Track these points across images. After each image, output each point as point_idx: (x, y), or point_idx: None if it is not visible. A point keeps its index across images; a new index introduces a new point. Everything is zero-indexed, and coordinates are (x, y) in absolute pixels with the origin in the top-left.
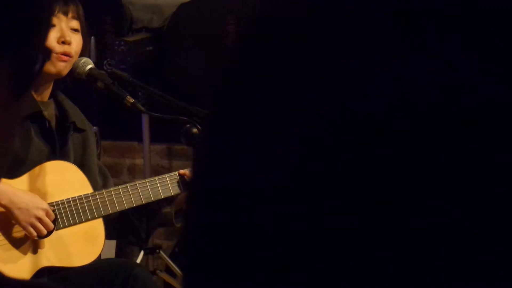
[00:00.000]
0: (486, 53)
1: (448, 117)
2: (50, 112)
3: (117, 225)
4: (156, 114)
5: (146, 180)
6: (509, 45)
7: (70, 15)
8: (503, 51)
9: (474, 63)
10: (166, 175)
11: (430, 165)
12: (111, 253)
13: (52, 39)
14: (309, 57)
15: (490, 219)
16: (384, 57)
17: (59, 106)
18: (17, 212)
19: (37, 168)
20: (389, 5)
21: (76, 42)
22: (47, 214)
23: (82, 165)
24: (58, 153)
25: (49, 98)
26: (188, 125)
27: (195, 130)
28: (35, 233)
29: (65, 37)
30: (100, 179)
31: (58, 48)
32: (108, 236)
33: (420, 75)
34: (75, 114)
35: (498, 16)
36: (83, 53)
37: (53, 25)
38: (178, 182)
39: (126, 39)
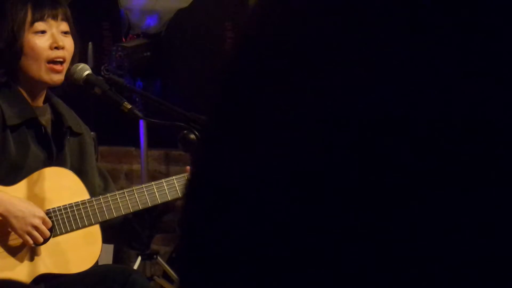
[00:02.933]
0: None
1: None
2: (45, 117)
3: (120, 232)
4: (153, 120)
5: (143, 185)
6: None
7: (59, 18)
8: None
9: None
10: (163, 180)
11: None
12: (108, 259)
13: (45, 46)
14: (310, 63)
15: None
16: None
17: (55, 111)
18: (13, 221)
19: (34, 175)
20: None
21: (68, 45)
22: (44, 222)
23: (80, 169)
24: (54, 158)
25: (44, 103)
26: (185, 131)
27: (192, 136)
28: (31, 241)
29: (58, 42)
30: (101, 181)
31: (51, 54)
32: (110, 240)
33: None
34: (71, 118)
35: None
36: (76, 55)
37: (44, 32)
38: (175, 187)
39: (123, 44)
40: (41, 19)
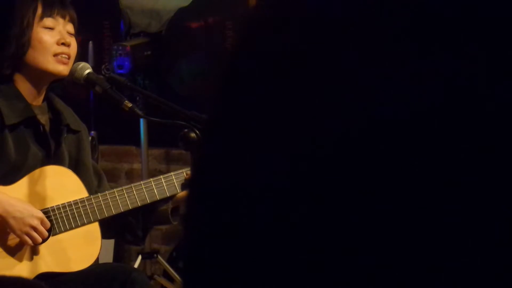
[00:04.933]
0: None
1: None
2: (44, 116)
3: (113, 224)
4: (154, 119)
5: (142, 182)
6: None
7: (67, 18)
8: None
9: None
10: (161, 176)
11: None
12: (109, 258)
13: (53, 41)
14: (313, 64)
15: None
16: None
17: (53, 109)
18: (11, 221)
19: (32, 174)
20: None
21: (73, 44)
22: (42, 223)
23: (77, 166)
24: (52, 157)
25: (43, 101)
26: (186, 130)
27: (193, 134)
28: (30, 242)
29: (65, 39)
30: (95, 179)
31: (57, 49)
32: (105, 235)
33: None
34: (69, 116)
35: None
36: (77, 57)
37: (52, 28)
38: (173, 183)
39: (124, 43)
40: (51, 15)
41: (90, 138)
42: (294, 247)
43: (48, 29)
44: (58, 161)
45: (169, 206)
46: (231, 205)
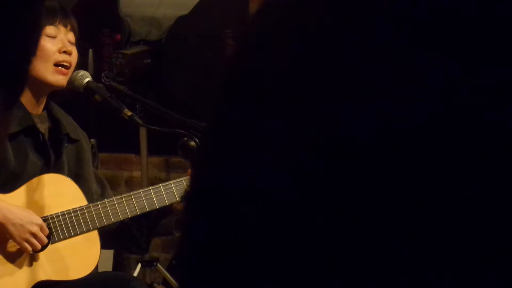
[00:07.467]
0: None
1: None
2: (44, 125)
3: (118, 237)
4: (153, 127)
5: (141, 190)
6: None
7: (68, 27)
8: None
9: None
10: (160, 185)
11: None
12: (108, 266)
13: (54, 49)
14: (314, 68)
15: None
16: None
17: (53, 118)
18: (11, 228)
19: (32, 182)
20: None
21: (74, 53)
22: (42, 229)
23: (77, 176)
24: (52, 166)
25: (43, 110)
26: (185, 138)
27: (192, 143)
28: (30, 248)
29: (67, 47)
30: (98, 187)
31: (59, 57)
32: (109, 246)
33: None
34: (69, 125)
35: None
36: (76, 66)
37: (54, 36)
38: (172, 191)
39: (124, 51)
40: (53, 23)
41: (90, 146)
42: (295, 254)
43: (50, 38)
44: (58, 171)
45: (173, 218)
46: (230, 209)
